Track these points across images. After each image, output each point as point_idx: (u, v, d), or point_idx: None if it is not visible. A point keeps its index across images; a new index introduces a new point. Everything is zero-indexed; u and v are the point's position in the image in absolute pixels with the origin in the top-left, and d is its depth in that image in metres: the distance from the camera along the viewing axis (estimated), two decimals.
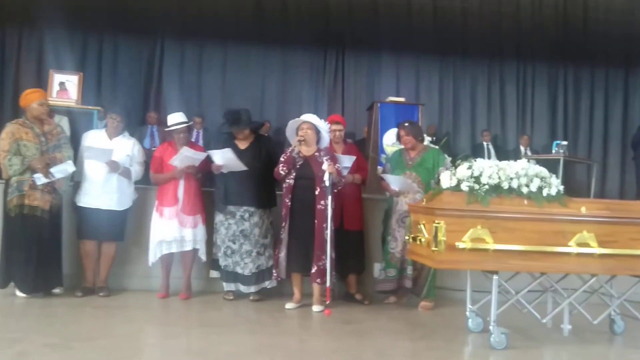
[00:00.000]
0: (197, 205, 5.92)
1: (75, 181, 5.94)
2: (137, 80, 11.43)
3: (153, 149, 8.09)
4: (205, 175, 6.01)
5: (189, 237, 5.85)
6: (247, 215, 5.80)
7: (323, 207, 5.52)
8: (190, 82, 11.57)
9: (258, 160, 5.81)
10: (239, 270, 5.81)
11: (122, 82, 11.28)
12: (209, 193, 6.11)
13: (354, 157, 6.04)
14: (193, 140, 8.66)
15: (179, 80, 11.43)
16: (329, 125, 5.86)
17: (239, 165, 5.66)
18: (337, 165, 5.67)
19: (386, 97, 8.99)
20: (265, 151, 5.90)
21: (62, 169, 5.55)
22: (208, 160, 5.82)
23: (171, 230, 5.80)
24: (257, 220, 5.82)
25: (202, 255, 5.97)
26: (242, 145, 5.90)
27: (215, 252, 5.94)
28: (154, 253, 5.88)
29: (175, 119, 5.92)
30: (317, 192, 5.55)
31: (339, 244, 5.71)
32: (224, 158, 5.67)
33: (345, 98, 11.98)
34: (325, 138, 5.73)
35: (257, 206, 5.82)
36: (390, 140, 8.10)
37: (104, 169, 5.78)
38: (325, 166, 5.50)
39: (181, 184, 5.86)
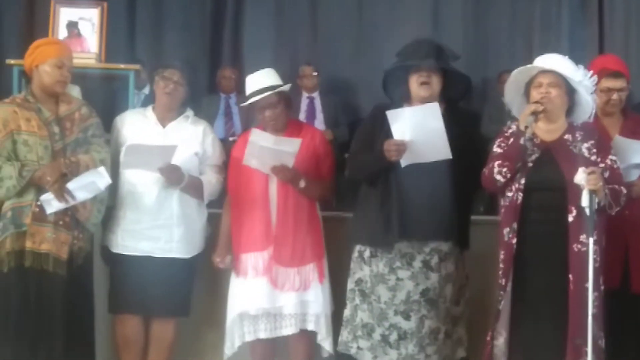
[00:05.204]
0: (308, 245, 3.42)
1: (107, 207, 3.53)
2: (200, 13, 6.73)
3: (231, 139, 4.66)
4: (333, 187, 3.54)
5: (290, 310, 3.36)
6: (435, 260, 3.20)
7: (583, 250, 2.94)
8: (298, 4, 6.69)
9: (459, 153, 3.12)
10: None
11: (173, 18, 6.65)
12: (338, 222, 3.56)
13: None
14: (302, 115, 5.49)
15: (274, 5, 6.68)
16: (596, 77, 3.17)
17: (441, 146, 3.04)
18: (616, 165, 3.03)
19: None
20: (467, 137, 3.26)
21: (89, 184, 3.30)
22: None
23: (257, 295, 3.38)
24: (451, 269, 3.24)
25: (325, 343, 3.40)
26: None
27: (348, 340, 3.26)
28: (232, 337, 3.46)
29: (256, 82, 3.45)
30: (570, 219, 2.97)
31: (619, 324, 3.16)
32: (419, 123, 3.00)
33: (608, 20, 6.29)
34: (587, 104, 3.11)
35: (454, 241, 3.25)
36: None
37: (156, 182, 3.43)
38: (579, 178, 2.88)
39: (273, 204, 3.41)
